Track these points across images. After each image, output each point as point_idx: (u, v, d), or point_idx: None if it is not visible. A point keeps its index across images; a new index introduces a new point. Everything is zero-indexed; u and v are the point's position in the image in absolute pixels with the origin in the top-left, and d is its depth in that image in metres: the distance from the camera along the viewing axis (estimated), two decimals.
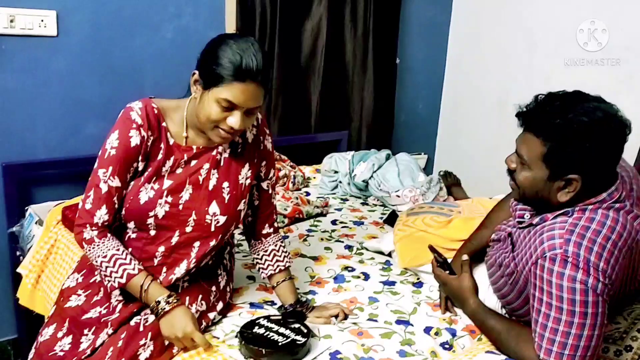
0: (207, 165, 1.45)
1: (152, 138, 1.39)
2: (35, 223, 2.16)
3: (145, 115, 1.37)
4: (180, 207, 1.43)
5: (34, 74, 2.21)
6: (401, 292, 1.78)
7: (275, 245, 1.63)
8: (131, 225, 1.44)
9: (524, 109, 1.29)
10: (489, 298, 1.56)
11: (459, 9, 3.51)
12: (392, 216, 2.39)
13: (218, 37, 1.34)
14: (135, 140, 1.36)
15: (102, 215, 1.39)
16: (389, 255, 2.01)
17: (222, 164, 1.47)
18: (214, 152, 1.46)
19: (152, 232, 1.44)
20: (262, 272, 1.64)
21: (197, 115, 1.35)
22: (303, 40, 2.93)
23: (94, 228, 1.39)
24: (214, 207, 1.45)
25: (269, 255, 1.62)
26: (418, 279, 1.88)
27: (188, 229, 1.45)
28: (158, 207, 1.41)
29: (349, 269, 1.91)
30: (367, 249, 2.07)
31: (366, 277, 1.87)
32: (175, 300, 1.37)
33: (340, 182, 2.71)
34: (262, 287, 1.76)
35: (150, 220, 1.42)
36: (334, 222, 2.36)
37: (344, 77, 3.13)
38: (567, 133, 1.20)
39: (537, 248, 1.26)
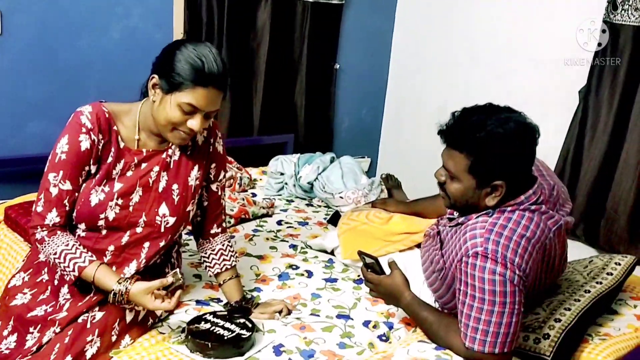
0: (157, 168, 1.49)
1: (102, 142, 1.42)
2: None
3: (96, 119, 1.40)
4: (131, 209, 1.47)
5: None
6: (342, 288, 1.86)
7: (223, 245, 1.69)
8: (82, 226, 1.47)
9: (445, 127, 1.41)
10: (424, 292, 1.68)
11: (402, 18, 3.64)
12: (336, 216, 2.47)
13: (175, 42, 1.39)
14: (85, 144, 1.39)
15: (52, 217, 1.41)
16: (332, 253, 2.10)
17: (171, 166, 1.51)
18: (164, 155, 1.50)
19: (103, 232, 1.48)
20: (208, 270, 1.69)
21: (156, 118, 1.40)
22: (248, 43, 3.01)
23: (44, 229, 1.41)
24: (163, 209, 1.50)
25: (216, 254, 1.67)
26: (359, 275, 1.97)
27: (138, 230, 1.49)
28: (108, 210, 1.44)
29: (293, 267, 1.98)
30: (311, 248, 2.15)
31: (309, 274, 1.95)
32: (124, 288, 1.37)
33: (285, 183, 2.78)
34: (208, 285, 1.81)
35: (101, 222, 1.45)
36: (279, 223, 2.42)
37: (285, 81, 3.23)
38: (486, 145, 1.34)
39: (462, 246, 1.39)
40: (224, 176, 1.66)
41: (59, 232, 1.42)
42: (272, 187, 2.78)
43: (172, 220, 1.51)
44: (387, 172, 3.11)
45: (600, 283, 1.65)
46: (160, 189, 1.50)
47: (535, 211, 1.40)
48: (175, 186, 1.51)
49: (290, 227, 2.38)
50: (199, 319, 1.51)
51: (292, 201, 2.73)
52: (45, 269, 1.50)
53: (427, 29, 3.51)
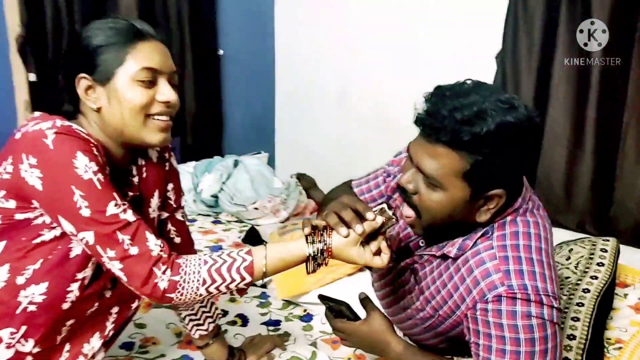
0: None
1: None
2: None
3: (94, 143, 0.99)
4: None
5: None
6: (290, 331, 1.47)
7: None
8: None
9: (425, 115, 0.99)
10: None
11: None
12: (252, 233, 2.05)
13: (79, 32, 1.03)
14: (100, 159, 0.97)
15: (155, 244, 0.98)
16: (264, 286, 1.68)
17: (127, 197, 1.07)
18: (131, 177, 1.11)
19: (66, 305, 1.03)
20: (197, 331, 1.30)
21: (114, 122, 1.01)
22: None
23: (163, 264, 0.99)
24: None
25: (206, 305, 1.29)
26: (305, 310, 1.58)
27: (107, 294, 1.08)
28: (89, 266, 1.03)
29: (220, 312, 1.54)
30: None
31: (244, 321, 1.52)
32: (322, 246, 1.02)
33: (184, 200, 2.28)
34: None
35: (75, 287, 1.02)
36: None
37: None
38: (496, 142, 0.95)
39: (472, 290, 1.03)
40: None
41: (179, 258, 1.00)
42: None
43: None
44: (286, 165, 2.74)
45: (596, 278, 1.41)
46: None
47: (532, 209, 1.09)
48: None
49: None
50: None
51: (195, 220, 2.24)
52: None
53: (313, 4, 3.13)
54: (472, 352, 1.04)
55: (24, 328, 0.98)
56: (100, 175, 0.94)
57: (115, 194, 0.96)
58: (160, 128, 1.03)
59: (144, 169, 1.14)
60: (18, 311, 0.97)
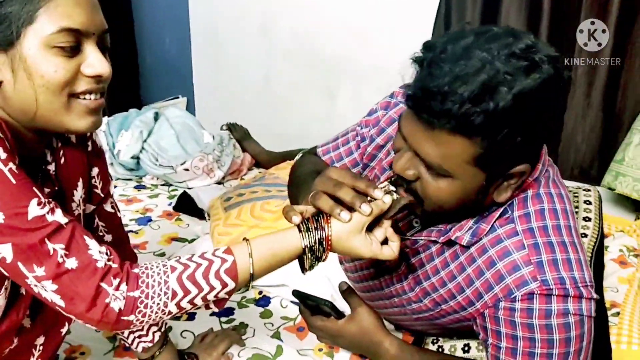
0: None
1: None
2: None
3: None
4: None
5: None
6: (247, 321, 1.25)
7: None
8: None
9: (419, 90, 0.74)
10: None
11: None
12: (185, 199, 1.77)
13: None
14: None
15: (99, 252, 0.74)
16: None
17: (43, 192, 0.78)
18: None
19: None
20: (139, 344, 1.05)
21: (21, 102, 0.72)
22: None
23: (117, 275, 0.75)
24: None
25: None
26: (260, 292, 1.36)
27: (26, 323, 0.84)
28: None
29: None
30: None
31: (190, 313, 1.28)
32: (319, 235, 0.80)
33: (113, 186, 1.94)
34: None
35: None
36: None
37: None
38: (517, 118, 0.72)
39: (493, 286, 0.85)
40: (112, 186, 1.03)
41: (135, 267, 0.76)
42: None
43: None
44: (207, 112, 2.43)
45: (585, 235, 1.28)
46: None
47: (554, 177, 0.91)
48: None
49: (129, 231, 1.62)
50: None
51: (115, 187, 1.92)
52: None
53: None
54: (488, 353, 0.87)
55: None
56: (11, 165, 0.68)
57: (35, 189, 0.70)
58: (88, 110, 0.75)
59: (61, 152, 0.86)
60: None
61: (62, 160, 0.86)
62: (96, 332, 1.19)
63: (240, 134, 2.24)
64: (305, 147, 2.03)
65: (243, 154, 2.13)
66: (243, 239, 0.78)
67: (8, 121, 0.73)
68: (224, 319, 1.27)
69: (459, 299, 0.90)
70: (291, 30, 2.70)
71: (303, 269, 0.81)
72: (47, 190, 0.81)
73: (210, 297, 0.76)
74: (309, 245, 0.78)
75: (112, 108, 2.23)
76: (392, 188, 0.81)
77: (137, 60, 2.75)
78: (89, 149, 0.92)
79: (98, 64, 0.73)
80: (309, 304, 1.00)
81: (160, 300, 0.73)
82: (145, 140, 1.94)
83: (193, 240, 1.58)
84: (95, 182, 0.95)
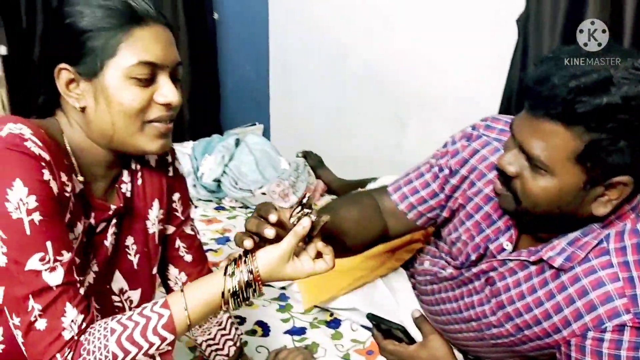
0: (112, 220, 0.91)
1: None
2: None
3: (46, 145, 0.76)
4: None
5: None
6: (319, 341, 1.30)
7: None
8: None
9: (534, 84, 0.81)
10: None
11: None
12: None
13: (58, 8, 0.81)
14: (53, 185, 0.75)
15: (75, 319, 0.76)
16: (283, 287, 1.50)
17: (109, 210, 0.89)
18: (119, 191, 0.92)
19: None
20: (216, 356, 1.13)
21: (104, 126, 0.81)
22: None
23: (69, 347, 0.79)
24: (119, 281, 0.94)
25: (224, 327, 1.13)
26: (331, 315, 1.41)
27: None
28: None
29: (235, 320, 1.37)
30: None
31: (265, 329, 1.34)
32: (247, 274, 0.79)
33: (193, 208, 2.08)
34: None
35: None
36: None
37: None
38: (623, 119, 0.77)
39: (583, 315, 0.87)
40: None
41: (84, 332, 0.77)
42: None
43: (135, 296, 0.96)
44: (281, 137, 2.52)
45: None
46: (110, 250, 0.90)
47: None
48: (130, 240, 0.94)
49: (208, 249, 1.72)
50: None
51: (196, 207, 2.05)
52: None
53: None
54: None
55: None
56: (36, 215, 0.72)
57: (49, 244, 0.73)
58: (159, 134, 0.83)
59: (139, 174, 0.94)
60: None
61: (140, 182, 0.93)
62: (179, 341, 1.28)
63: (314, 162, 2.33)
64: (375, 176, 2.09)
65: (317, 180, 2.21)
66: (180, 289, 0.80)
67: (86, 149, 0.82)
68: (296, 337, 1.33)
69: (545, 325, 0.91)
70: (363, 60, 2.77)
71: (229, 310, 0.81)
72: (113, 206, 0.87)
73: (152, 351, 0.77)
74: (231, 290, 0.78)
75: (196, 133, 2.38)
76: (307, 211, 0.80)
77: (218, 88, 2.91)
78: (170, 174, 1.00)
79: (170, 94, 0.81)
80: (382, 328, 1.04)
81: None
82: (226, 165, 2.06)
83: None
84: (176, 205, 1.02)
